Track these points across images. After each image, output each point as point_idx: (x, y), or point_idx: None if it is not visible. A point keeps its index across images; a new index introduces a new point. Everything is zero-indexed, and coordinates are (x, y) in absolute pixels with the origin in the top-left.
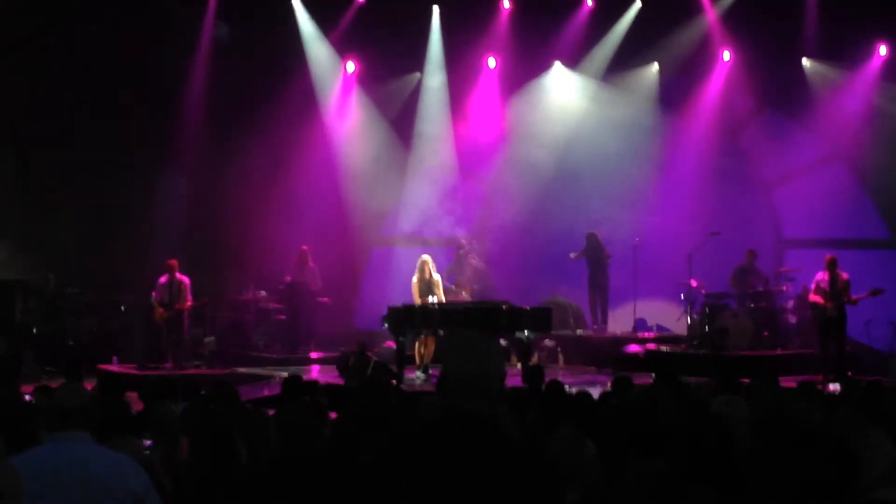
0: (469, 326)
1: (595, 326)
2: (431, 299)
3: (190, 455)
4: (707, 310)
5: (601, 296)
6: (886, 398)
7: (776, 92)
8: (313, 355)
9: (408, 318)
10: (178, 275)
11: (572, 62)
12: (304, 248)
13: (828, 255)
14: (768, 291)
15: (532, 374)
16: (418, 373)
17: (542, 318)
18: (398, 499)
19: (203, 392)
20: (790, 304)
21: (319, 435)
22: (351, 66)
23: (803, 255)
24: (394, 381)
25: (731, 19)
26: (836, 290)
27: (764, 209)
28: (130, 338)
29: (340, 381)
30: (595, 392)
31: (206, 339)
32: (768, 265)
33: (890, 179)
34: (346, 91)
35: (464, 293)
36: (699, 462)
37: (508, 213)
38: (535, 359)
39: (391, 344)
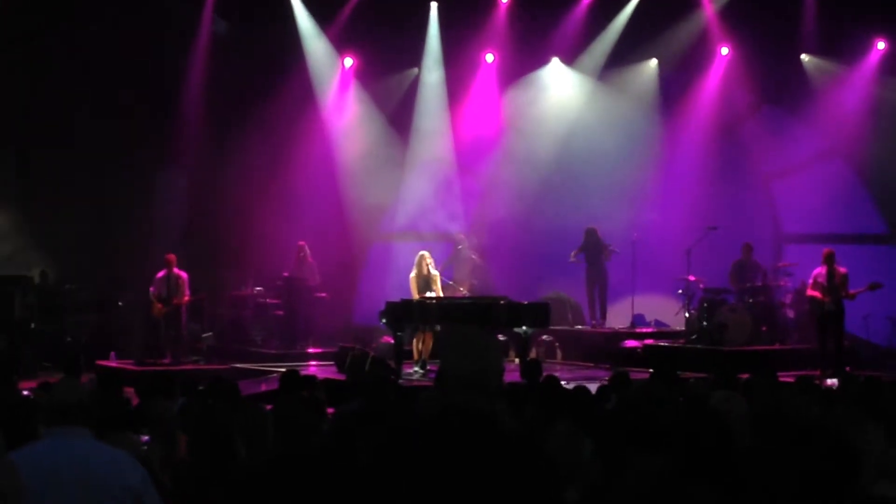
0: (467, 322)
1: (593, 322)
2: (429, 295)
3: (188, 451)
4: (705, 305)
5: (600, 291)
6: (884, 393)
7: (774, 87)
8: (311, 351)
9: (406, 314)
10: (175, 270)
11: (571, 57)
12: (302, 243)
13: (826, 250)
14: (766, 286)
15: (530, 369)
16: (416, 368)
17: (540, 314)
18: (397, 495)
19: (201, 388)
20: (788, 298)
21: (317, 430)
22: (349, 62)
23: (802, 249)
24: (392, 377)
25: (729, 14)
26: (834, 285)
27: (762, 204)
28: (129, 334)
29: (338, 377)
30: (593, 387)
31: (205, 335)
32: (767, 260)
33: (888, 174)
34: (344, 87)
35: (461, 289)
36: (699, 458)
37: (506, 209)
38: (533, 354)
39: (389, 339)
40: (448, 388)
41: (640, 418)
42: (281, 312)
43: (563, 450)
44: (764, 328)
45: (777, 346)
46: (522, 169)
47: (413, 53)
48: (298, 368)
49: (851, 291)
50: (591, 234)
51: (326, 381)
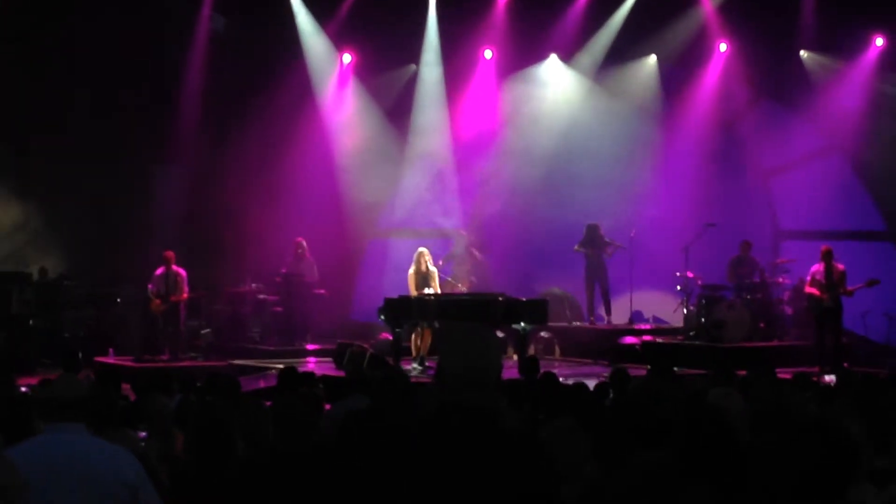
0: (465, 318)
1: (591, 318)
2: (428, 291)
3: (186, 448)
4: (703, 301)
5: (602, 287)
6: (882, 390)
7: (773, 82)
8: (309, 347)
9: (404, 310)
10: (174, 266)
11: (569, 53)
12: (300, 240)
13: (824, 247)
14: (764, 283)
15: (528, 366)
16: (415, 365)
17: (538, 310)
18: (397, 492)
19: (199, 384)
20: (786, 295)
21: (316, 427)
22: (347, 58)
23: (800, 246)
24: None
25: (728, 10)
26: (832, 282)
27: (760, 200)
28: (127, 330)
29: (337, 373)
30: (591, 384)
31: (203, 332)
32: (765, 256)
33: (886, 171)
34: (342, 83)
35: (460, 285)
36: (699, 454)
37: (504, 205)
38: (531, 351)
39: (387, 336)
40: (446, 384)
41: (639, 414)
42: (279, 309)
43: (561, 446)
44: (762, 325)
45: (775, 343)
46: (520, 165)
47: (411, 49)
48: (297, 365)
49: (849, 288)
50: (592, 230)
51: (325, 377)
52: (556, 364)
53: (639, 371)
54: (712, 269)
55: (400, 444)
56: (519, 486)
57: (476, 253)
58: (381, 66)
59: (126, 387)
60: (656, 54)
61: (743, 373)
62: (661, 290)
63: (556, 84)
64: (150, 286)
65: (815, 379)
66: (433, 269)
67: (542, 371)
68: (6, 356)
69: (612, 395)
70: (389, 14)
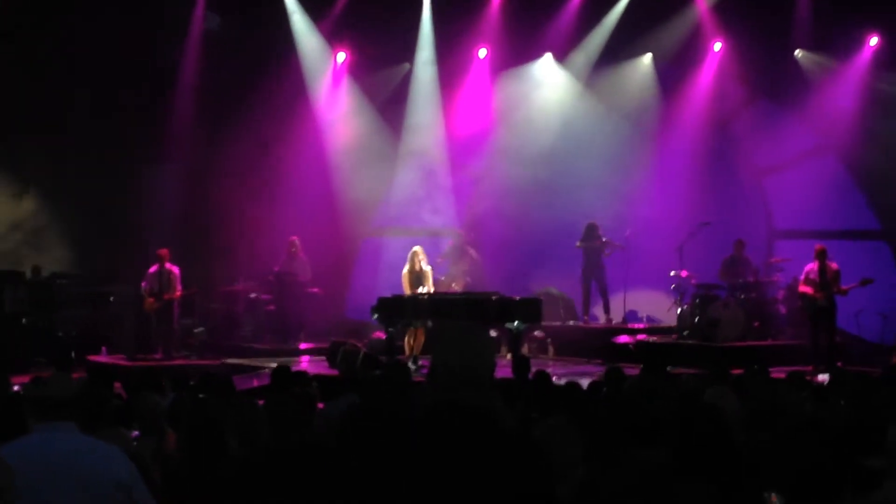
0: (459, 317)
1: (585, 317)
2: (421, 290)
3: (178, 447)
4: (697, 300)
5: (600, 286)
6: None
7: (768, 82)
8: (303, 346)
9: (398, 309)
10: (167, 265)
11: (564, 52)
12: (293, 238)
13: (817, 246)
14: (758, 282)
15: (518, 365)
16: (408, 364)
17: (532, 309)
18: (391, 491)
19: (192, 383)
20: (780, 294)
21: (309, 426)
22: (341, 57)
23: (794, 245)
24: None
25: (723, 9)
26: (826, 281)
27: (755, 199)
28: (120, 328)
29: (330, 372)
30: (585, 383)
31: (196, 330)
32: (759, 256)
33: (880, 170)
34: (336, 81)
35: (454, 284)
36: (694, 453)
37: (498, 204)
38: (525, 350)
39: (381, 335)
40: (440, 383)
41: (633, 413)
42: (273, 308)
43: (554, 445)
44: (756, 324)
45: (769, 342)
46: (514, 164)
47: (406, 48)
48: (290, 364)
49: (843, 287)
50: (591, 229)
51: (318, 376)
52: (550, 363)
53: (633, 370)
54: (706, 268)
55: (394, 442)
56: (513, 484)
57: (472, 252)
58: (376, 64)
59: (119, 385)
60: (651, 53)
61: (737, 372)
62: (655, 290)
63: (551, 83)
64: (143, 284)
65: (808, 378)
66: (427, 268)
67: (535, 370)
68: None
69: (605, 394)
70: (384, 13)
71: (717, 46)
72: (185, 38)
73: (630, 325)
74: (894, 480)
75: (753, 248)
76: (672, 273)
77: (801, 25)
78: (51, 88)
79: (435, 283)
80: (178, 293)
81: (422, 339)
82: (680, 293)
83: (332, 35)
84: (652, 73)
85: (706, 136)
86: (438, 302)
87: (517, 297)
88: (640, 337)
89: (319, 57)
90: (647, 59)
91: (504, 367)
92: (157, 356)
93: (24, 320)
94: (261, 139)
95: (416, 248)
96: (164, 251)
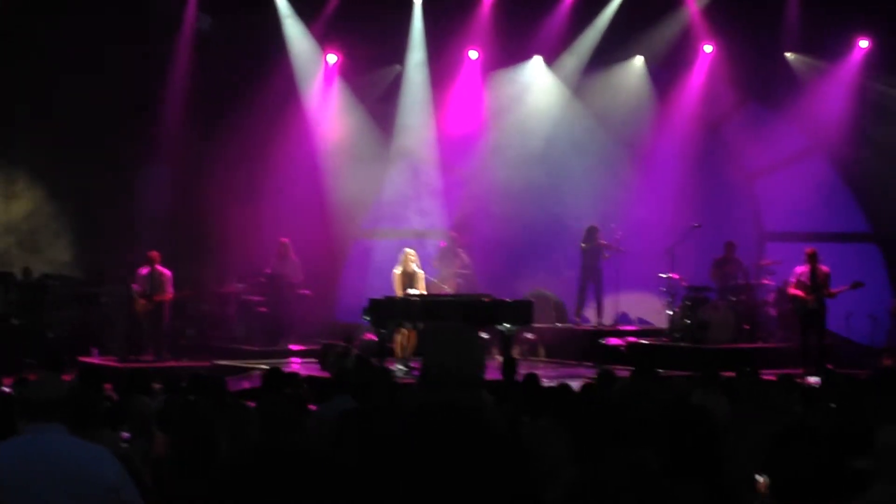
0: (450, 319)
1: (577, 318)
2: (412, 292)
3: (168, 449)
4: (688, 303)
5: (596, 289)
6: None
7: (758, 84)
8: (294, 348)
9: (389, 311)
10: (158, 266)
11: (555, 54)
12: (284, 240)
13: (808, 249)
14: (749, 284)
15: (506, 367)
16: (399, 365)
17: (522, 311)
18: (381, 491)
19: (183, 384)
20: (771, 297)
21: (300, 428)
22: (332, 58)
23: (784, 248)
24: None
25: (713, 12)
26: (817, 284)
27: (745, 201)
28: (111, 330)
29: (321, 374)
30: (576, 385)
31: (187, 332)
32: (749, 258)
33: (871, 173)
34: (327, 83)
35: (446, 286)
36: (684, 455)
37: (489, 205)
38: (516, 352)
39: (372, 336)
40: (431, 384)
41: (623, 415)
42: (264, 309)
43: (543, 446)
44: (746, 326)
45: (759, 345)
46: (505, 165)
47: (397, 50)
48: (281, 365)
49: (833, 290)
50: (591, 232)
51: (309, 378)
52: (541, 365)
53: (624, 373)
54: (697, 270)
55: (384, 443)
56: (502, 484)
57: (463, 254)
58: (366, 66)
59: (109, 387)
60: (642, 56)
61: (728, 374)
62: (646, 292)
63: (542, 85)
64: (134, 286)
65: (799, 380)
66: (419, 271)
67: (525, 372)
68: None
69: (595, 395)
70: (375, 14)
71: (708, 49)
72: (175, 39)
73: (621, 327)
74: (882, 482)
75: (744, 250)
76: (663, 275)
77: (792, 28)
78: (40, 90)
79: (427, 285)
80: (169, 295)
81: (413, 340)
82: (670, 295)
83: (323, 36)
84: (643, 75)
85: (697, 138)
86: (430, 303)
87: (508, 299)
88: (631, 339)
89: (310, 58)
90: (638, 61)
91: (495, 369)
92: (148, 358)
93: (14, 321)
94: (251, 140)
95: (408, 250)
96: (154, 253)
